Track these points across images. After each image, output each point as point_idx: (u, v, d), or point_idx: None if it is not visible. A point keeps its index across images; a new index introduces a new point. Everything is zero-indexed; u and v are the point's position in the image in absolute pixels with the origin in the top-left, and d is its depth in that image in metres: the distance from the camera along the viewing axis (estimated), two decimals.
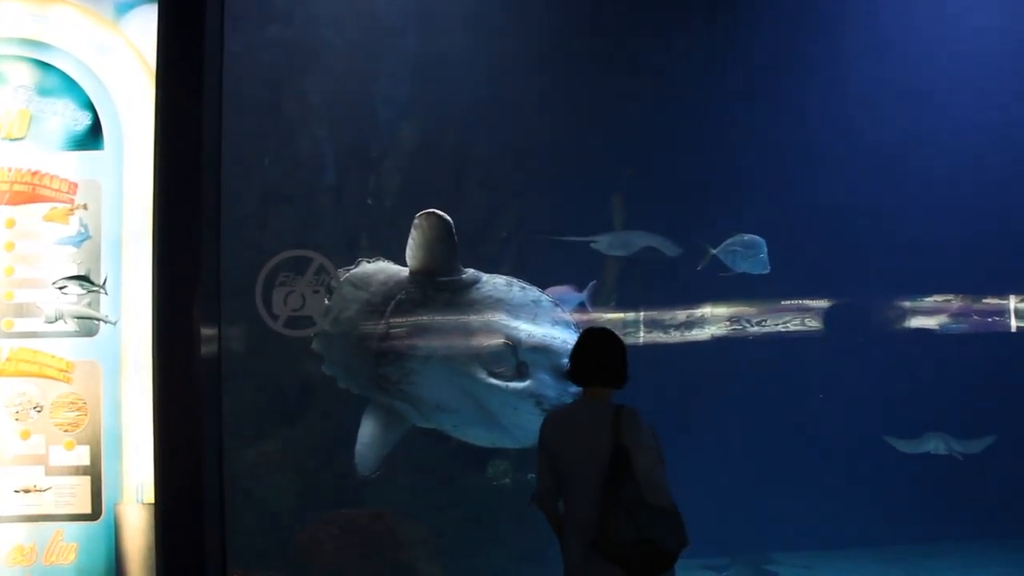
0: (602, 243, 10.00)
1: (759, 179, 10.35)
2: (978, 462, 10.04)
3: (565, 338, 6.39)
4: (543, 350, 6.25)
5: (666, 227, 10.06)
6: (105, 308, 5.35)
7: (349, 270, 6.81)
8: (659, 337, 10.89)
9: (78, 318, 5.33)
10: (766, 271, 9.56)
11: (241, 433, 9.83)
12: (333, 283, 6.04)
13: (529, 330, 6.30)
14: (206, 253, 5.38)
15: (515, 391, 6.18)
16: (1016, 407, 10.13)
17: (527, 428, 6.29)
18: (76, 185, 5.38)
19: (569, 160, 10.20)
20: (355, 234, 10.05)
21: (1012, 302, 11.17)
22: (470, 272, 6.44)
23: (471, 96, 10.20)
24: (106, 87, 5.41)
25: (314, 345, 6.78)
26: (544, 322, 6.42)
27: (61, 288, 5.30)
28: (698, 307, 10.89)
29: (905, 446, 10.27)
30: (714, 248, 9.34)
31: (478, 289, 6.42)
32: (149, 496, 5.24)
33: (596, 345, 4.32)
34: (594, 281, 8.07)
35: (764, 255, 9.46)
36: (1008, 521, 10.10)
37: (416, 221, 6.73)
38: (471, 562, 9.46)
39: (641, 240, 10.01)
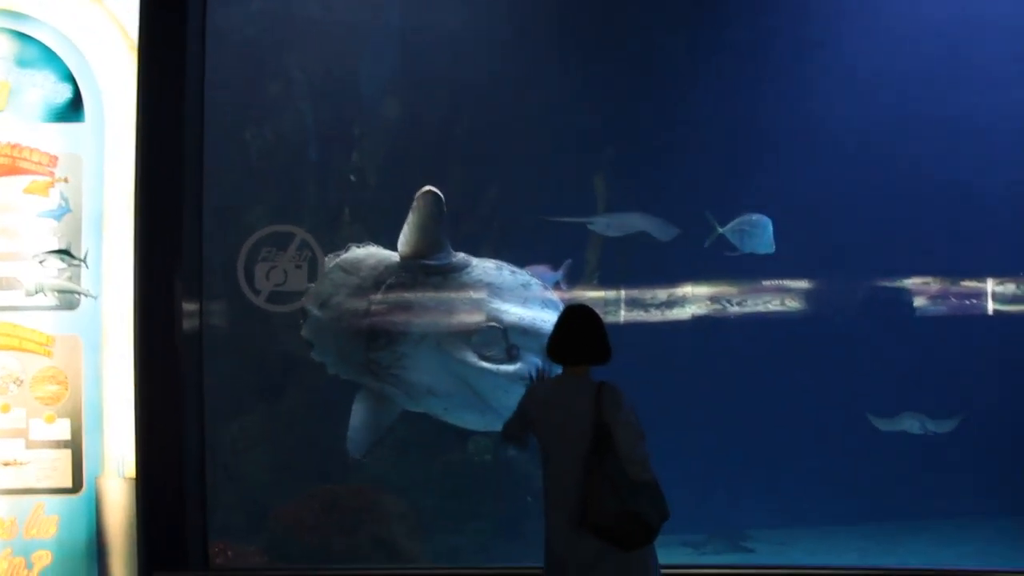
0: (599, 224, 9.94)
1: (745, 159, 10.35)
2: (954, 441, 10.17)
3: (555, 320, 6.42)
4: (533, 333, 6.30)
5: (651, 206, 10.06)
6: (86, 282, 5.36)
7: (339, 255, 6.77)
8: (640, 315, 10.93)
9: (59, 292, 5.33)
10: (771, 251, 9.58)
11: (221, 408, 9.84)
12: (320, 264, 6.01)
13: (519, 313, 6.37)
14: (188, 228, 5.41)
15: (506, 374, 6.24)
16: (997, 387, 10.24)
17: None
18: (56, 158, 5.36)
19: (553, 137, 10.17)
20: (338, 210, 10.03)
21: (989, 285, 11.30)
22: (460, 256, 6.46)
23: (456, 72, 10.18)
24: (87, 60, 5.38)
25: (304, 332, 6.75)
26: (534, 305, 6.48)
27: (42, 262, 5.30)
28: (679, 286, 10.93)
29: (883, 424, 10.36)
30: (721, 227, 9.34)
31: (468, 273, 6.45)
32: (130, 470, 5.27)
33: (576, 323, 4.35)
34: (569, 260, 8.08)
35: (770, 235, 9.47)
36: (986, 499, 10.24)
37: (414, 199, 6.68)
38: (453, 537, 9.54)
39: (638, 222, 9.98)
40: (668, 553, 10.66)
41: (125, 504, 5.26)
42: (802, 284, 11.37)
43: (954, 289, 11.25)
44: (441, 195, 6.02)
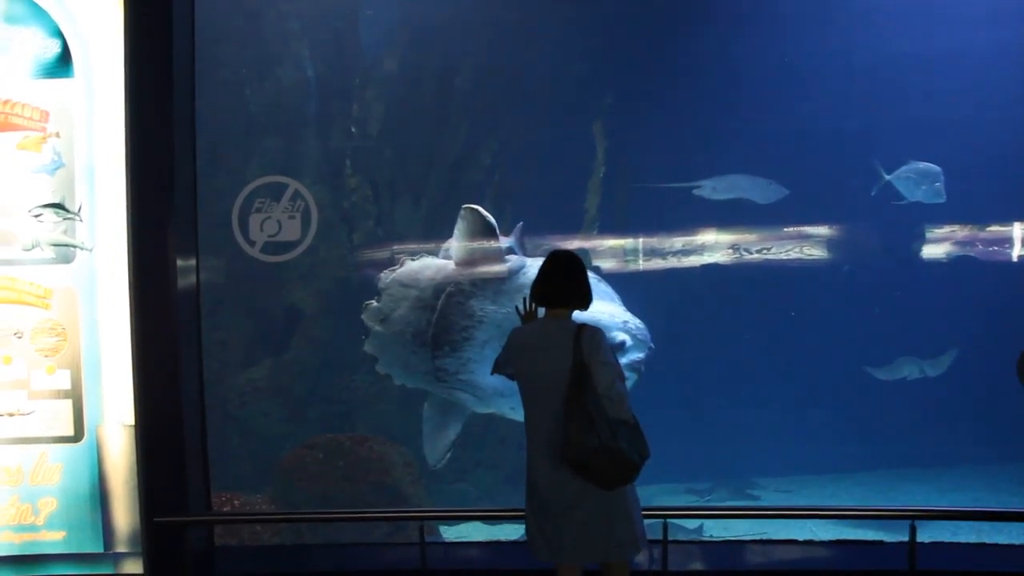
0: (705, 188, 9.86)
1: (745, 106, 10.28)
2: (955, 390, 10.17)
3: (612, 311, 6.57)
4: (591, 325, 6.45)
5: (651, 155, 10.02)
6: (81, 235, 5.42)
7: (394, 270, 6.90)
8: (644, 264, 10.94)
9: (55, 245, 5.40)
10: (942, 200, 9.51)
11: (230, 361, 9.98)
12: (313, 214, 6.05)
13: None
14: (179, 180, 5.43)
15: None
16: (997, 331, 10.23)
17: None
18: (48, 113, 5.40)
19: (553, 87, 10.12)
20: (339, 162, 10.06)
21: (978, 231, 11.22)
22: (514, 259, 6.55)
23: (456, 23, 10.12)
24: (74, 14, 5.39)
25: (367, 347, 6.89)
26: None
27: (37, 216, 5.36)
28: (681, 234, 10.91)
29: (881, 373, 10.37)
30: (888, 175, 9.26)
31: (524, 273, 6.57)
32: (130, 419, 5.38)
33: (559, 268, 4.35)
34: (520, 223, 8.18)
35: (940, 183, 9.40)
36: (986, 446, 10.26)
37: (461, 214, 6.85)
38: (458, 485, 9.70)
39: (743, 184, 9.89)
40: (673, 499, 10.85)
41: (126, 451, 5.38)
42: (806, 232, 11.34)
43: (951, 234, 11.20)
44: (483, 211, 6.12)
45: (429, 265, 6.90)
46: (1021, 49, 10.03)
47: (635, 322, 6.58)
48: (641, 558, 4.43)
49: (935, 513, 4.59)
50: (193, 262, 5.71)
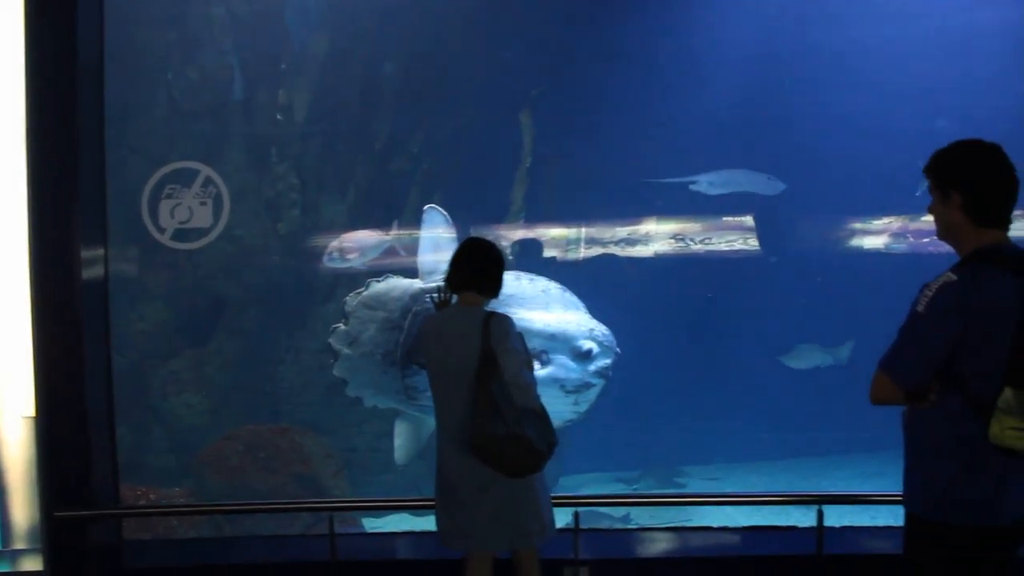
0: (702, 184, 9.76)
1: (677, 93, 10.29)
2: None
3: (578, 320, 6.61)
4: (560, 336, 6.50)
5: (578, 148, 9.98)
6: None
7: (359, 293, 6.85)
8: (569, 253, 10.94)
9: None
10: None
11: (151, 351, 9.77)
12: (225, 200, 5.93)
13: (544, 319, 6.53)
14: (85, 166, 5.25)
15: (540, 380, 6.31)
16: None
17: (555, 412, 6.49)
18: None
19: (482, 76, 10.04)
20: (265, 150, 9.88)
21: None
22: None
23: (384, 9, 9.98)
24: None
25: (336, 371, 6.82)
26: (556, 308, 6.64)
27: None
28: (609, 224, 10.93)
29: (789, 361, 10.49)
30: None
31: None
32: (31, 411, 5.20)
33: (472, 254, 4.32)
34: (397, 219, 8.20)
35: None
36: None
37: (423, 217, 6.97)
38: (384, 476, 9.61)
39: (742, 179, 9.83)
40: (602, 488, 10.83)
41: (26, 444, 5.22)
42: (736, 222, 11.44)
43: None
44: (443, 211, 6.12)
45: (395, 286, 6.92)
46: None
47: (601, 329, 6.66)
48: (553, 546, 4.41)
49: (840, 498, 4.66)
50: (101, 251, 5.53)
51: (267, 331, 9.75)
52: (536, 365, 6.40)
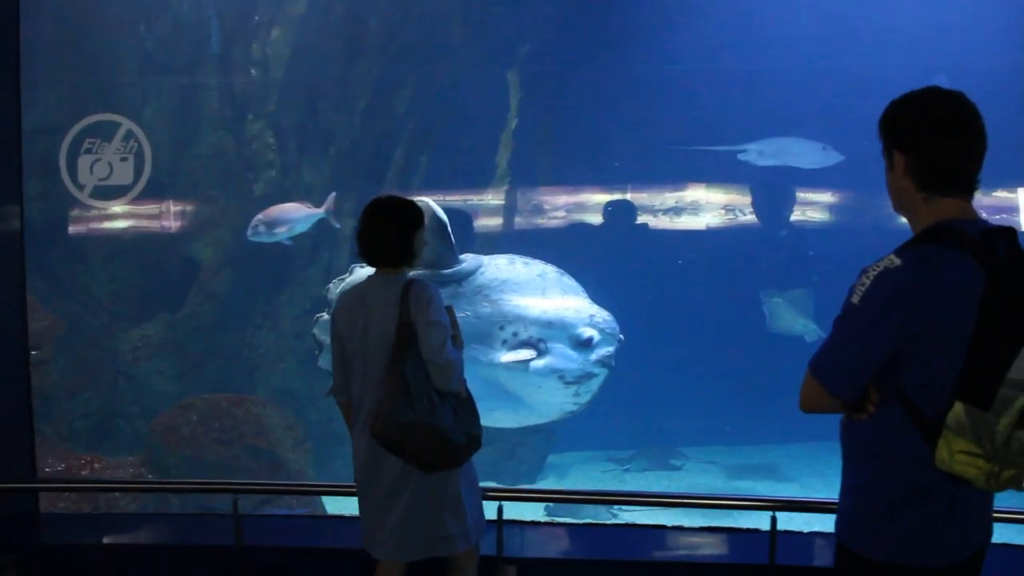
0: (751, 153, 9.07)
1: (668, 55, 9.68)
2: None
3: (577, 306, 6.11)
4: (558, 323, 6.00)
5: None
6: None
7: (344, 279, 6.36)
8: (559, 220, 10.43)
9: None
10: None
11: (122, 315, 9.46)
12: (147, 156, 5.49)
13: (541, 305, 6.04)
14: None
15: (537, 371, 5.95)
16: None
17: (555, 404, 6.16)
18: None
19: (470, 30, 9.48)
20: (240, 107, 9.45)
21: None
22: (469, 258, 6.07)
23: None
24: None
25: (321, 363, 6.37)
26: (553, 293, 6.13)
27: None
28: (595, 191, 10.36)
29: (774, 325, 9.79)
30: None
31: (481, 274, 6.05)
32: None
33: (374, 217, 3.66)
34: (334, 193, 7.64)
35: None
36: None
37: None
38: (350, 449, 9.22)
39: (793, 148, 9.08)
40: (594, 467, 10.42)
41: None
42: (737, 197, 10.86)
43: None
44: (435, 206, 5.66)
45: None
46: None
47: (602, 315, 6.12)
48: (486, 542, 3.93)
49: (795, 505, 4.16)
50: (16, 208, 5.16)
51: (242, 295, 9.38)
52: (532, 354, 5.95)
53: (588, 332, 5.99)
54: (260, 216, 7.64)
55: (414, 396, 3.47)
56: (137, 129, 5.54)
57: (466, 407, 3.63)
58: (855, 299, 2.53)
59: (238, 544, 4.44)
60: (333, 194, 7.47)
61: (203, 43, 9.29)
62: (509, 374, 5.99)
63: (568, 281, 6.30)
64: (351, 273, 6.29)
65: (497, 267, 6.16)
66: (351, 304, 3.72)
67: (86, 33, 8.94)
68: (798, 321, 9.23)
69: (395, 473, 3.58)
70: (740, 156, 9.16)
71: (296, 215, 7.53)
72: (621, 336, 6.16)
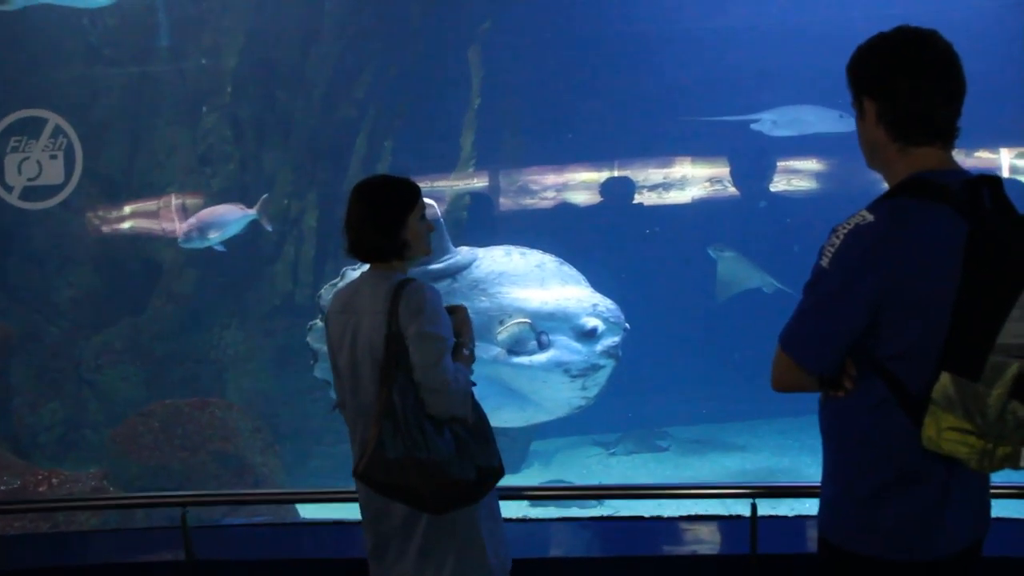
0: (764, 123, 8.61)
1: (630, 33, 9.36)
2: None
3: (579, 295, 5.83)
4: (559, 314, 5.76)
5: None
6: None
7: (335, 284, 5.98)
8: (530, 202, 10.13)
9: None
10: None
11: (83, 321, 9.14)
12: (77, 152, 5.15)
13: (540, 297, 5.78)
14: None
15: (541, 365, 5.70)
16: None
17: (562, 399, 5.90)
18: None
19: (429, 8, 9.12)
20: (197, 102, 9.10)
21: None
22: (464, 250, 5.77)
23: None
24: None
25: (317, 372, 6.01)
26: (553, 284, 5.88)
27: None
28: (567, 171, 10.05)
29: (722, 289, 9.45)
30: None
31: (477, 267, 5.78)
32: None
33: (357, 203, 2.98)
34: (266, 195, 7.36)
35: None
36: None
37: None
38: (342, 447, 8.93)
39: (810, 116, 8.54)
40: (580, 452, 10.16)
41: None
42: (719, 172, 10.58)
43: None
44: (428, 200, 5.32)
45: None
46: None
47: (606, 303, 5.86)
48: None
49: (776, 490, 3.89)
50: None
51: (207, 295, 9.05)
52: (535, 346, 5.70)
53: (592, 322, 5.75)
54: (192, 220, 7.32)
55: (403, 427, 2.81)
56: (65, 124, 5.19)
57: (475, 434, 2.95)
58: (824, 261, 2.23)
59: (188, 559, 4.14)
60: (265, 196, 7.21)
61: (151, 34, 8.91)
62: (512, 370, 5.74)
63: (568, 270, 6.04)
64: (342, 278, 5.86)
65: (493, 259, 5.91)
66: (340, 307, 3.09)
67: (28, 30, 8.57)
68: (753, 274, 8.84)
69: (401, 512, 2.96)
70: (753, 126, 8.76)
71: (229, 218, 7.21)
72: (627, 325, 5.88)
